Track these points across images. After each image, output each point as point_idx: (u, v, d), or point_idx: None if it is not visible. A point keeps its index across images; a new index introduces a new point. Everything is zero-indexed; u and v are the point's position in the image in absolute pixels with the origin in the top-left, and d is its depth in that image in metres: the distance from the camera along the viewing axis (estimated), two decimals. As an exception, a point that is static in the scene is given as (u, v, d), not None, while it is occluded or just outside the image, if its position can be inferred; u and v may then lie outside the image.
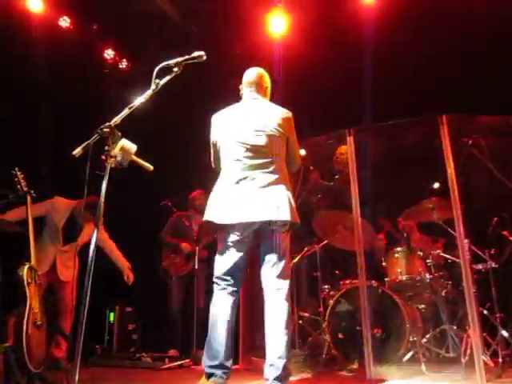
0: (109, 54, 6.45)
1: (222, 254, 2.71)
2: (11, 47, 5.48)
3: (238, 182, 2.62)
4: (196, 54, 2.36)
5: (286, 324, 2.49)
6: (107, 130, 1.99)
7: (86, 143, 2.00)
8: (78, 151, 1.97)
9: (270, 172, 2.63)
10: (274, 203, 2.55)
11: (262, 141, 2.66)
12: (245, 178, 2.61)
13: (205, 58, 2.37)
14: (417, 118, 3.27)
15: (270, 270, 2.62)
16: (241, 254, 2.68)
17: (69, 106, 5.88)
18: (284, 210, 2.56)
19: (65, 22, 5.96)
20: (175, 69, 2.32)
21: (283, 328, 2.47)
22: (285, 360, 2.43)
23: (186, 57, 2.36)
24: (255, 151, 2.65)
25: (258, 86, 2.88)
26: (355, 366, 3.41)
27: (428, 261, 3.75)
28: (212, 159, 2.90)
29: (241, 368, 4.01)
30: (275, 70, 5.35)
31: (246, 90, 2.91)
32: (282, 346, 2.44)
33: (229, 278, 2.68)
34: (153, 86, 2.36)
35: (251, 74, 2.93)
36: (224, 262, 2.69)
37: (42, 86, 6.00)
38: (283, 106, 2.88)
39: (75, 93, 6.03)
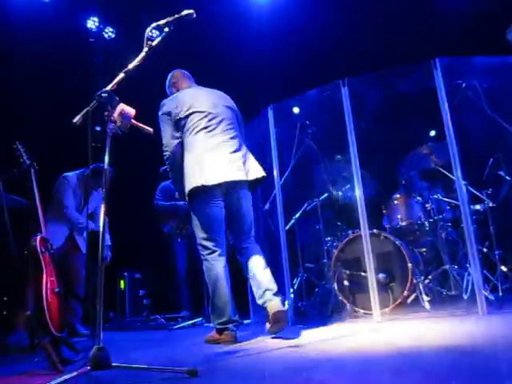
0: (94, 21, 6.31)
1: (208, 216, 2.83)
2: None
3: (212, 148, 2.84)
4: (185, 12, 2.34)
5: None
6: (105, 94, 1.99)
7: (85, 110, 2.02)
8: (77, 119, 1.98)
9: (236, 137, 2.97)
10: (251, 164, 2.96)
11: (230, 113, 3.03)
12: (217, 145, 2.85)
13: (194, 15, 2.36)
14: (411, 63, 3.27)
15: (246, 224, 2.98)
16: (223, 214, 2.89)
17: (58, 79, 5.81)
18: (259, 168, 3.00)
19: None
20: (166, 28, 2.31)
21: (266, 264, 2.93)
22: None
23: (176, 16, 2.34)
24: (226, 121, 2.96)
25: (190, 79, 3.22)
26: (362, 311, 3.55)
27: (427, 205, 3.83)
28: (169, 137, 2.94)
29: (252, 321, 4.16)
30: (261, 27, 5.28)
31: (185, 81, 3.17)
32: (271, 276, 2.87)
33: (217, 238, 2.85)
34: (145, 48, 2.36)
35: (180, 72, 3.23)
36: (211, 223, 2.83)
37: (29, 61, 5.91)
38: (272, 64, 2.98)
39: (64, 65, 5.95)
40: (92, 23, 6.30)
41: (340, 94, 3.51)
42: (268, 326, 2.75)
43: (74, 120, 1.98)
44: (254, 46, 4.92)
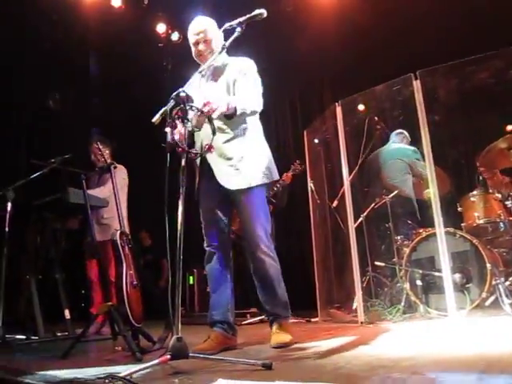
0: (161, 27, 6.55)
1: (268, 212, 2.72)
2: (68, 32, 5.72)
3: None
4: (257, 12, 2.38)
5: None
6: (183, 94, 2.06)
7: (163, 109, 2.08)
8: (157, 118, 2.05)
9: None
10: None
11: None
12: None
13: (265, 15, 2.39)
14: (487, 53, 3.10)
15: None
16: None
17: (130, 83, 6.10)
18: None
19: (116, 2, 6.09)
20: (238, 29, 2.36)
21: None
22: None
23: (248, 16, 2.38)
24: None
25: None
26: (435, 312, 3.41)
27: (507, 203, 3.61)
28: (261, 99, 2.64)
29: (320, 320, 4.14)
30: (329, 24, 5.23)
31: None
32: None
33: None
34: (219, 49, 2.43)
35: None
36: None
37: (101, 66, 6.25)
38: (341, 60, 2.85)
39: (133, 70, 6.24)
40: (161, 28, 6.53)
41: (411, 87, 3.39)
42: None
43: (153, 120, 2.05)
44: (320, 41, 4.88)
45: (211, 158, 2.55)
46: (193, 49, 2.68)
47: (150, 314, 3.01)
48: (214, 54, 2.50)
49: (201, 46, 2.63)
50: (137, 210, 4.40)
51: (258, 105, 2.57)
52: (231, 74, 2.64)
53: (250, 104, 2.51)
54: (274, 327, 2.58)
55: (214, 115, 2.29)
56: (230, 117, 2.43)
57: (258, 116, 2.72)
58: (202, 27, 2.64)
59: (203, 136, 2.51)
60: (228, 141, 2.56)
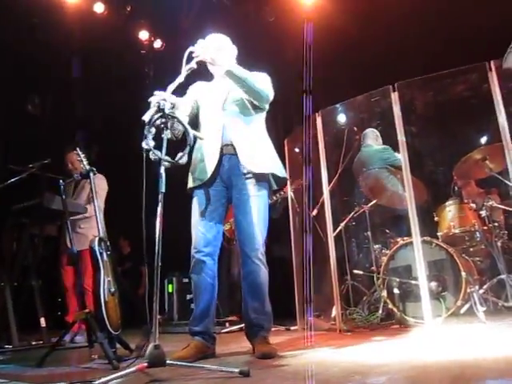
0: (143, 34, 6.55)
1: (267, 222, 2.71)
2: (50, 37, 5.67)
3: None
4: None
5: None
6: (164, 101, 2.08)
7: (151, 110, 2.10)
8: (146, 116, 2.07)
9: None
10: None
11: None
12: None
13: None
14: (464, 66, 3.19)
15: None
16: None
17: (110, 89, 6.07)
18: None
19: (99, 7, 6.08)
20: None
21: None
22: None
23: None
24: None
25: None
26: (412, 319, 3.46)
27: (482, 212, 3.70)
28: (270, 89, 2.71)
29: (299, 328, 4.15)
30: (310, 34, 5.30)
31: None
32: None
33: None
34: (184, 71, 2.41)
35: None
36: None
37: (82, 72, 6.21)
38: (320, 69, 2.93)
39: (115, 76, 6.21)
40: (143, 35, 6.53)
41: (389, 99, 3.46)
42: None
43: (144, 117, 2.07)
44: (301, 50, 4.94)
45: (236, 145, 2.57)
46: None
47: (128, 321, 2.98)
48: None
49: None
50: (116, 218, 4.36)
51: (265, 87, 2.62)
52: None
53: (252, 75, 2.57)
54: (259, 338, 2.51)
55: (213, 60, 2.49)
56: (229, 73, 2.52)
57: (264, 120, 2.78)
58: (219, 44, 2.72)
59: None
60: (252, 128, 2.66)
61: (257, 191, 2.57)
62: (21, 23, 5.47)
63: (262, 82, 2.63)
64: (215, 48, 2.61)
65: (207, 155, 2.63)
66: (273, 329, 2.72)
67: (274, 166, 2.65)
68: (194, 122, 2.74)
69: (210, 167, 2.58)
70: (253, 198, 2.56)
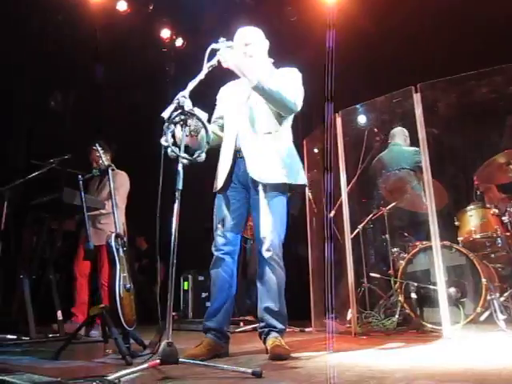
0: (165, 33, 6.59)
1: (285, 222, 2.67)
2: (74, 34, 5.75)
3: None
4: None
5: None
6: (184, 98, 2.07)
7: (171, 106, 2.09)
8: (166, 113, 2.07)
9: None
10: None
11: None
12: None
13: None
14: (488, 68, 3.11)
15: None
16: None
17: (133, 86, 6.12)
18: None
19: (122, 5, 6.13)
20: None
21: None
22: None
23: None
24: None
25: None
26: (429, 325, 3.40)
27: (504, 218, 3.61)
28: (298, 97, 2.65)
29: (313, 330, 4.11)
30: (332, 35, 5.25)
31: None
32: None
33: None
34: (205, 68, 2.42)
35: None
36: None
37: (104, 70, 6.27)
38: (343, 70, 2.89)
39: (135, 74, 6.26)
40: (165, 33, 6.57)
41: (411, 100, 3.40)
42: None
43: (163, 114, 2.06)
44: (323, 51, 4.92)
45: (245, 150, 2.57)
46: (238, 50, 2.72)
47: (143, 318, 2.99)
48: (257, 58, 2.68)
49: (247, 56, 2.67)
50: (136, 214, 4.39)
51: (293, 100, 2.55)
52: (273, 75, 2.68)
53: (280, 88, 2.51)
54: (271, 339, 2.48)
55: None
56: (256, 88, 2.48)
57: (290, 126, 2.74)
58: (251, 37, 2.73)
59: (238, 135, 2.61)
60: (265, 134, 2.60)
61: (272, 194, 2.56)
62: (46, 21, 5.56)
63: (291, 92, 2.57)
64: (244, 52, 2.64)
65: (224, 159, 2.68)
66: (287, 329, 2.69)
67: (286, 175, 2.57)
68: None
69: (226, 170, 2.63)
70: (269, 200, 2.54)
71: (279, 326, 2.53)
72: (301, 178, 2.67)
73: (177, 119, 2.10)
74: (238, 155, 2.62)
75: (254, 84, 2.47)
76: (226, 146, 2.68)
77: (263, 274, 2.55)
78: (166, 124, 2.05)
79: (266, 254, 2.52)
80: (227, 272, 2.60)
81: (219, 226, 2.65)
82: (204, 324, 2.60)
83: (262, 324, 2.58)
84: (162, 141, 2.04)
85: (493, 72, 3.15)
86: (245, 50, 2.68)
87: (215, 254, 2.63)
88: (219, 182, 2.67)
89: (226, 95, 2.85)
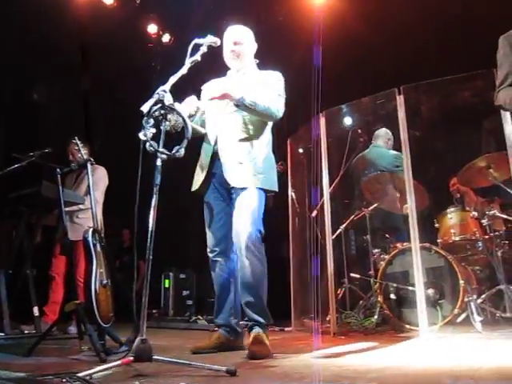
0: (152, 28, 6.53)
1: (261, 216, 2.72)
2: (57, 25, 5.66)
3: None
4: (211, 40, 2.48)
5: None
6: (164, 92, 2.05)
7: (151, 100, 2.07)
8: (145, 107, 2.05)
9: None
10: None
11: None
12: None
13: (218, 44, 2.54)
14: (471, 72, 3.15)
15: None
16: None
17: (117, 80, 6.05)
18: None
19: (108, -2, 6.05)
20: (203, 47, 2.44)
21: None
22: None
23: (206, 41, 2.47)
24: None
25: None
26: (407, 326, 3.42)
27: (483, 221, 3.65)
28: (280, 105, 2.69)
29: (293, 330, 4.12)
30: (318, 34, 5.26)
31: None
32: None
33: None
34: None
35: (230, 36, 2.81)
36: None
37: (89, 63, 6.19)
38: (328, 71, 2.92)
39: (121, 68, 6.20)
40: (152, 29, 6.51)
41: (395, 102, 3.42)
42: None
43: (142, 108, 2.05)
44: (309, 50, 4.93)
45: (222, 154, 2.62)
46: (226, 52, 2.79)
47: (121, 315, 2.95)
48: (244, 58, 2.77)
49: (235, 55, 2.76)
50: (121, 208, 4.34)
51: (276, 108, 2.61)
52: (256, 79, 2.74)
53: (263, 100, 2.54)
54: (252, 336, 2.48)
55: (222, 99, 2.48)
56: (238, 105, 2.52)
57: (269, 129, 2.78)
58: (241, 37, 2.78)
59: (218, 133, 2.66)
60: (242, 140, 2.63)
61: (247, 190, 2.59)
62: (29, 12, 5.46)
63: (274, 102, 2.61)
64: (232, 50, 2.74)
65: (203, 160, 2.74)
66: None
67: (259, 181, 2.60)
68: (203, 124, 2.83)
69: (204, 171, 2.69)
70: (244, 194, 2.58)
71: (261, 320, 2.53)
72: (273, 184, 2.72)
73: (156, 113, 2.07)
74: (216, 157, 2.66)
75: (237, 102, 2.50)
76: (206, 149, 2.73)
77: (240, 268, 2.58)
78: (146, 118, 2.02)
79: (241, 248, 2.53)
80: (224, 271, 2.68)
81: (208, 228, 2.73)
82: (213, 320, 2.77)
83: (246, 319, 2.61)
84: (141, 135, 2.01)
85: (474, 76, 3.18)
86: (233, 48, 2.75)
87: (209, 256, 2.72)
88: (196, 182, 2.73)
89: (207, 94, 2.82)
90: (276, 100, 2.63)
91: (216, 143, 2.66)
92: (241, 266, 2.56)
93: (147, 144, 2.02)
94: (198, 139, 2.78)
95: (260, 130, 2.70)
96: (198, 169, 2.77)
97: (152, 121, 2.06)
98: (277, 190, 2.76)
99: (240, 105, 2.51)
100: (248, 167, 2.59)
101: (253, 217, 2.55)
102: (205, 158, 2.71)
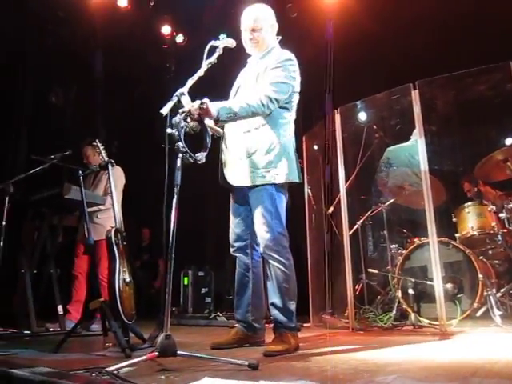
0: (166, 29, 6.60)
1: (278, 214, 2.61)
2: (73, 29, 5.76)
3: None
4: (227, 42, 2.48)
5: None
6: (182, 93, 2.10)
7: (170, 103, 2.10)
8: (165, 110, 2.07)
9: None
10: None
11: None
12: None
13: (234, 45, 2.53)
14: (486, 66, 3.13)
15: None
16: None
17: (132, 82, 6.14)
18: None
19: (123, 2, 6.14)
20: (219, 49, 2.45)
21: None
22: None
23: (220, 43, 2.47)
24: None
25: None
26: (426, 321, 3.43)
27: (501, 215, 3.63)
28: (282, 97, 2.54)
29: (312, 326, 4.15)
30: (332, 31, 5.27)
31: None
32: None
33: None
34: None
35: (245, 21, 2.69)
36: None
37: (105, 65, 6.29)
38: (341, 67, 2.87)
39: (136, 70, 6.28)
40: (166, 30, 6.58)
41: (410, 97, 3.42)
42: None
43: (162, 110, 2.06)
44: (323, 47, 4.93)
45: (224, 155, 2.63)
46: (244, 34, 2.70)
47: (143, 313, 3.03)
48: (264, 44, 2.66)
49: (253, 34, 2.65)
50: (139, 207, 4.40)
51: (258, 104, 2.43)
52: (264, 64, 2.62)
53: (241, 106, 2.40)
54: (276, 335, 2.49)
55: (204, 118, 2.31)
56: (216, 121, 2.41)
57: (288, 114, 2.64)
58: (259, 22, 2.65)
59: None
60: (246, 132, 2.57)
61: (258, 189, 2.53)
62: (47, 16, 5.57)
63: (254, 100, 2.44)
64: (250, 38, 2.66)
65: (220, 153, 2.72)
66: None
67: (265, 175, 2.50)
68: None
69: (220, 165, 2.68)
70: (256, 195, 2.54)
71: (285, 321, 2.50)
72: (289, 175, 2.54)
73: (182, 124, 2.09)
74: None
75: (216, 120, 2.39)
76: (219, 144, 2.72)
77: (267, 269, 2.60)
78: (176, 119, 2.05)
79: (261, 250, 2.55)
80: (242, 267, 2.71)
81: (231, 223, 2.76)
82: (234, 314, 2.79)
83: (272, 319, 2.64)
84: (173, 136, 2.05)
85: (490, 69, 3.16)
86: (251, 36, 2.66)
87: (231, 251, 2.76)
88: (220, 176, 2.70)
89: (235, 83, 2.82)
90: (263, 94, 2.46)
91: (222, 140, 2.68)
92: (267, 268, 2.59)
93: (180, 145, 2.04)
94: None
95: (266, 119, 2.55)
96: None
97: (181, 122, 2.09)
98: (297, 180, 2.60)
99: (218, 121, 2.41)
100: (249, 163, 2.51)
101: (268, 220, 2.49)
102: (219, 152, 2.69)
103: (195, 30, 6.34)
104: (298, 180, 2.61)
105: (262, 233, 2.51)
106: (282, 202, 2.58)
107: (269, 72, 2.57)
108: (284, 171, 2.53)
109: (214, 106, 2.32)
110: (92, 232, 3.27)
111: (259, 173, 2.51)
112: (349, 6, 5.22)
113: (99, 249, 3.49)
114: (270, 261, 2.52)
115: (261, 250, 2.57)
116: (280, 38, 2.78)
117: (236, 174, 2.57)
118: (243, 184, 2.55)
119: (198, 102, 2.24)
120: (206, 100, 2.28)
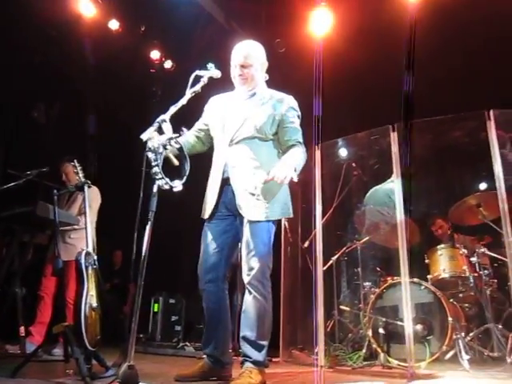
0: (155, 54, 6.67)
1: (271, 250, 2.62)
2: (65, 49, 5.79)
3: None
4: (212, 73, 2.52)
5: None
6: (164, 120, 2.11)
7: (151, 129, 2.11)
8: (145, 136, 2.09)
9: None
10: None
11: None
12: None
13: (219, 76, 2.56)
14: (463, 113, 3.24)
15: None
16: None
17: (118, 104, 6.14)
18: None
19: (114, 24, 6.20)
20: (204, 79, 2.49)
21: None
22: None
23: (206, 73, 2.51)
24: None
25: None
26: (395, 361, 3.41)
27: (472, 259, 3.70)
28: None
29: (281, 361, 4.08)
30: (318, 69, 5.40)
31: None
32: None
33: None
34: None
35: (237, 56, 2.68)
36: None
37: (93, 85, 6.30)
38: (325, 105, 2.96)
39: (123, 92, 6.31)
40: (155, 55, 6.65)
41: (389, 138, 3.50)
42: None
43: (142, 136, 2.08)
44: (308, 82, 5.05)
45: (234, 183, 2.55)
46: (233, 69, 2.68)
47: (110, 338, 2.93)
48: (252, 81, 2.66)
49: (243, 71, 2.64)
50: (112, 229, 4.34)
51: (303, 151, 2.61)
52: (277, 108, 2.64)
53: (298, 156, 2.54)
54: (243, 370, 2.42)
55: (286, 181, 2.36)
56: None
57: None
58: (249, 59, 2.64)
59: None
60: (255, 168, 2.55)
61: (256, 223, 2.52)
62: (39, 34, 5.58)
63: (301, 148, 2.61)
64: (239, 75, 2.65)
65: (211, 187, 2.66)
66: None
67: (271, 211, 2.53)
68: (207, 142, 2.81)
69: (213, 199, 2.62)
70: (252, 227, 2.52)
71: (254, 356, 2.43)
72: (288, 210, 2.64)
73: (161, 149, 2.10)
74: (226, 183, 2.60)
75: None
76: (214, 175, 2.66)
77: (244, 300, 2.53)
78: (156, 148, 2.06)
79: (246, 279, 2.49)
80: (212, 300, 2.61)
81: (203, 252, 2.65)
82: (202, 348, 2.71)
83: (241, 352, 2.56)
84: (154, 168, 2.05)
85: (466, 117, 3.28)
86: (240, 72, 2.64)
87: (199, 284, 2.63)
88: (207, 210, 2.65)
89: (216, 110, 2.78)
90: (300, 142, 2.62)
91: (224, 172, 2.60)
92: (244, 300, 2.52)
93: (156, 170, 2.04)
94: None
95: (272, 157, 2.60)
96: (207, 195, 2.68)
97: (160, 148, 2.09)
98: (292, 215, 2.68)
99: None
100: (261, 199, 2.52)
101: (263, 252, 2.50)
102: (214, 185, 2.63)
103: (184, 57, 6.42)
104: (292, 215, 2.68)
105: (253, 263, 2.47)
106: (273, 235, 2.62)
107: (289, 120, 2.65)
108: (282, 206, 2.60)
109: (290, 167, 2.39)
110: (63, 252, 3.21)
111: (273, 208, 2.54)
112: (336, 43, 5.36)
113: (69, 270, 3.40)
114: (254, 292, 2.46)
115: (245, 280, 2.49)
116: (267, 77, 2.80)
117: (251, 208, 2.51)
118: (258, 219, 2.51)
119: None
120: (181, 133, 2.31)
